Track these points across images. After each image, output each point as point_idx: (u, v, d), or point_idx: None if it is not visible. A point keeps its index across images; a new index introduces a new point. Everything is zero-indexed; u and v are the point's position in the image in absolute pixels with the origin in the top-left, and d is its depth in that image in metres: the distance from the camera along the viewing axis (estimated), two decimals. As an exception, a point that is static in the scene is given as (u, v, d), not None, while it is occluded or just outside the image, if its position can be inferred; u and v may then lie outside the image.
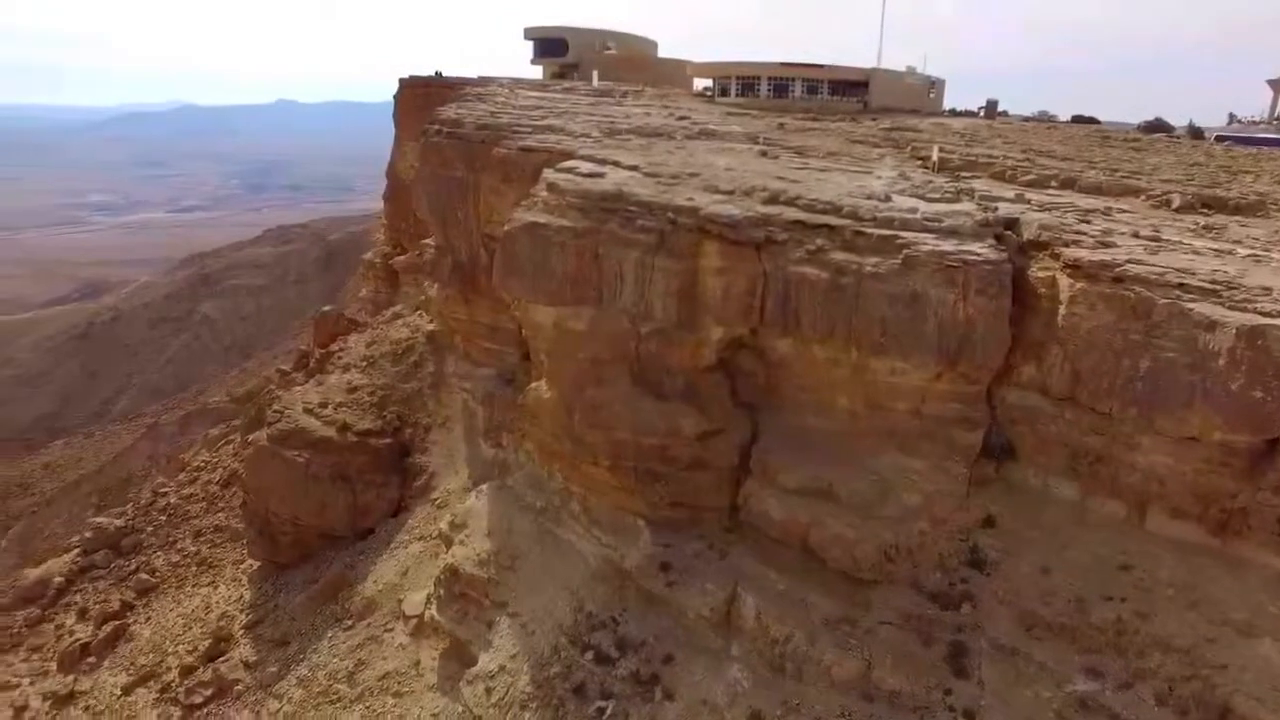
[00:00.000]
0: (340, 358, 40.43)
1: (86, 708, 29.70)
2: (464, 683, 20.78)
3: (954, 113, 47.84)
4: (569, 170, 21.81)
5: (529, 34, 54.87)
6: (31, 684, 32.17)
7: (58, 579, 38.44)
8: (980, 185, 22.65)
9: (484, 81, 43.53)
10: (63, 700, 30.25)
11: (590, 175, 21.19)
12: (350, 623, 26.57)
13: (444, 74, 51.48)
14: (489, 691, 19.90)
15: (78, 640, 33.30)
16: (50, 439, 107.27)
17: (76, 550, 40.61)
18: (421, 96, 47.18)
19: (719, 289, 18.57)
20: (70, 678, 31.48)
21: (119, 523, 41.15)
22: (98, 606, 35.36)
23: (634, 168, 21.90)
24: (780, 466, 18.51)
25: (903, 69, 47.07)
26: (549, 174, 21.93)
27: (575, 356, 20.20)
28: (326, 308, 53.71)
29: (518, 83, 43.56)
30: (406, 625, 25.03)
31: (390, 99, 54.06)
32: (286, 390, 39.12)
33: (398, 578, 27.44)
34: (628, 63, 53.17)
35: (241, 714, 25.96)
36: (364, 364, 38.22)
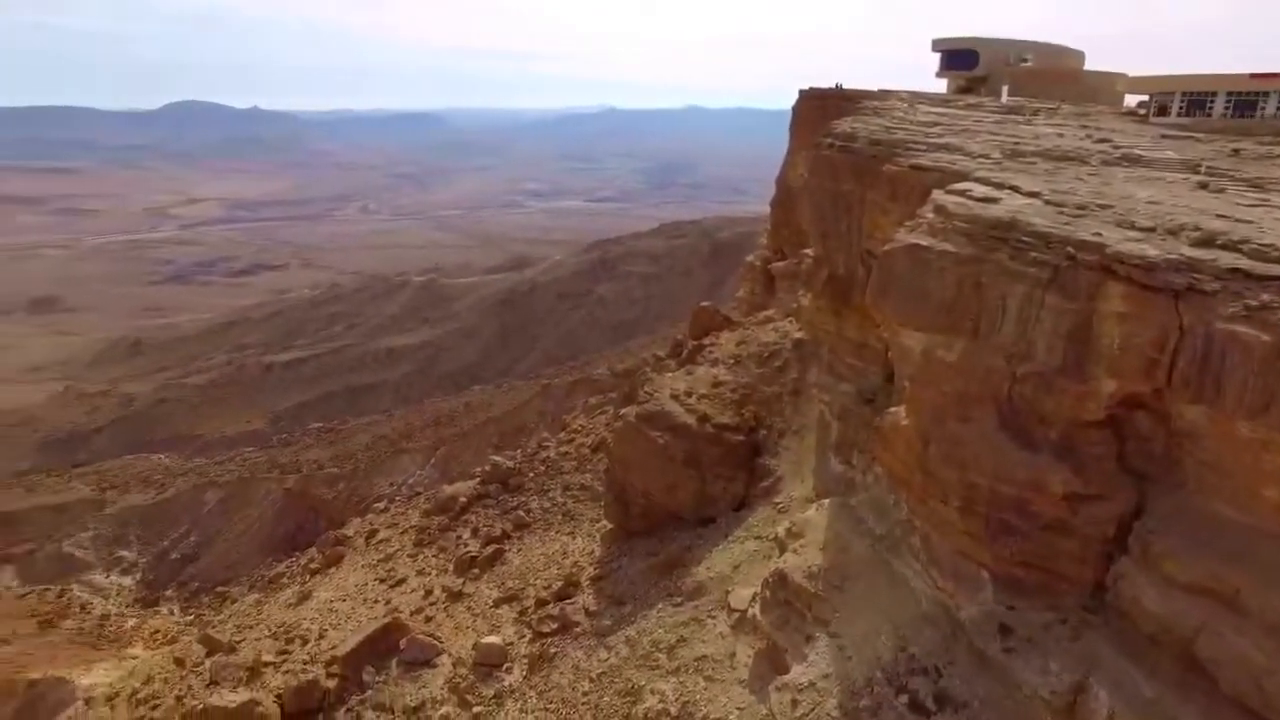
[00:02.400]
0: (710, 352, 42.93)
1: (468, 608, 35.59)
2: (773, 688, 21.09)
3: None
4: (960, 193, 20.70)
5: (936, 45, 52.79)
6: (437, 576, 39.67)
7: (462, 499, 46.56)
8: None
9: (883, 95, 42.87)
10: (454, 596, 36.67)
11: (983, 200, 19.89)
12: (679, 600, 28.29)
13: (844, 86, 51.75)
14: (795, 704, 19.98)
15: (468, 552, 40.08)
16: (471, 383, 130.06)
17: (477, 479, 48.75)
18: (818, 108, 47.94)
19: (1118, 338, 16.22)
20: (461, 580, 38.02)
21: (509, 464, 48.47)
22: (485, 529, 42.13)
23: (1034, 194, 20.06)
24: (1168, 553, 15.74)
25: None
26: (938, 195, 21.02)
27: (940, 387, 19.21)
28: (705, 303, 57.15)
29: (917, 97, 42.18)
30: (729, 617, 26.02)
31: (789, 108, 55.79)
32: (659, 374, 42.66)
33: (729, 570, 28.59)
34: (1045, 76, 48.55)
35: (576, 653, 29.03)
36: (731, 361, 40.17)
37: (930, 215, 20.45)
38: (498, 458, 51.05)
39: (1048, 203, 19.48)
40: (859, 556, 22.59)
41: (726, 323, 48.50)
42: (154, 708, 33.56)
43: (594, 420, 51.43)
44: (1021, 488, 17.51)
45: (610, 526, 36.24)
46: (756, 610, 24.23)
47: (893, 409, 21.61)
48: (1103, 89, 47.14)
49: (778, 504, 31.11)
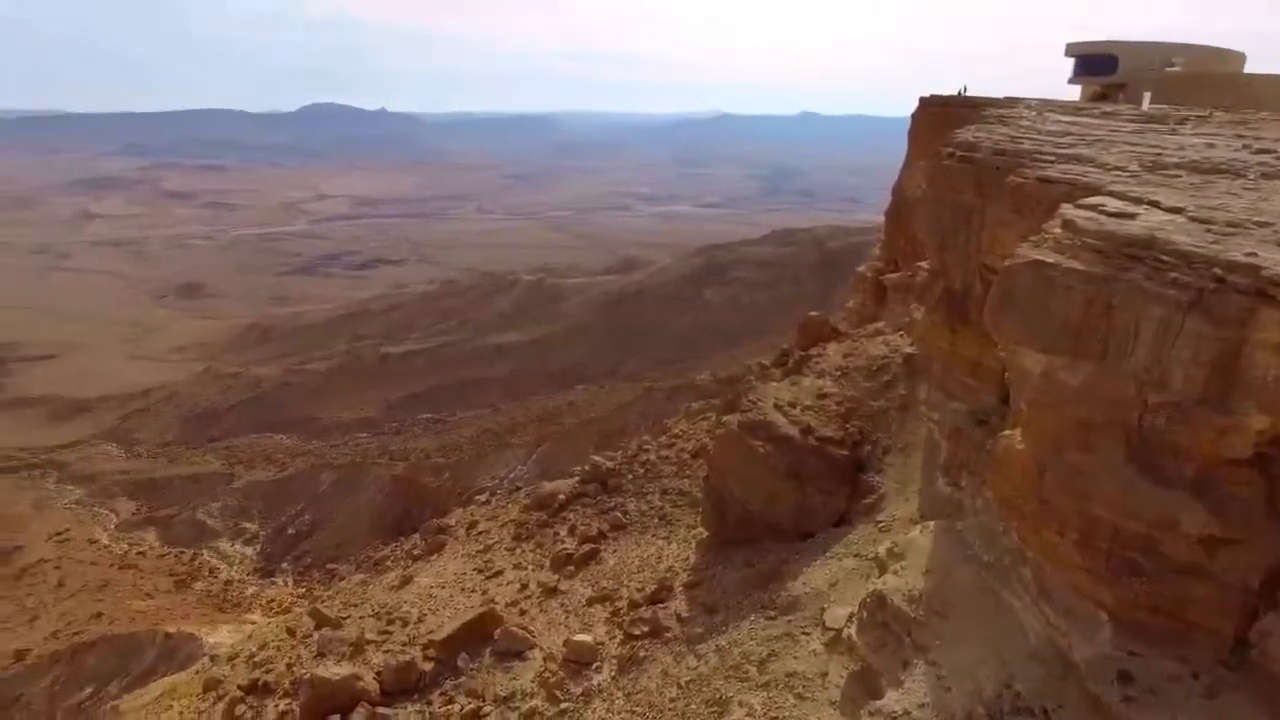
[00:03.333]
0: (817, 363, 41.99)
1: (562, 604, 36.07)
2: (866, 712, 20.38)
3: None
4: (1092, 207, 19.42)
5: (1071, 50, 50.01)
6: (533, 571, 40.43)
7: (561, 496, 47.26)
8: None
9: (1010, 102, 40.85)
10: (549, 591, 37.27)
11: (1117, 215, 18.59)
12: (773, 614, 27.73)
13: (967, 92, 49.74)
14: (890, 732, 19.26)
15: (564, 550, 40.63)
16: (575, 382, 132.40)
17: (577, 478, 49.39)
18: (939, 116, 46.16)
19: (1273, 370, 14.84)
20: (556, 576, 38.60)
21: (609, 464, 48.84)
22: (582, 528, 42.58)
23: (1177, 210, 18.60)
24: (1322, 609, 14.34)
25: None
26: (1067, 209, 19.81)
27: (1061, 413, 18.09)
28: (813, 312, 56.08)
29: (1047, 105, 39.94)
30: (823, 635, 25.35)
31: (906, 116, 53.99)
32: (763, 383, 41.97)
33: (826, 586, 27.88)
34: (1195, 81, 45.04)
35: (665, 658, 28.90)
36: (837, 373, 39.18)
37: (1057, 230, 19.30)
38: (598, 457, 51.55)
39: (1193, 219, 18.04)
40: (964, 583, 21.57)
41: (835, 333, 47.37)
42: (267, 671, 35.64)
43: (695, 425, 51.26)
44: (1150, 526, 16.26)
45: (706, 534, 35.98)
46: (852, 630, 23.52)
47: (1007, 432, 20.54)
48: (1268, 94, 43.23)
49: (879, 522, 30.15)
